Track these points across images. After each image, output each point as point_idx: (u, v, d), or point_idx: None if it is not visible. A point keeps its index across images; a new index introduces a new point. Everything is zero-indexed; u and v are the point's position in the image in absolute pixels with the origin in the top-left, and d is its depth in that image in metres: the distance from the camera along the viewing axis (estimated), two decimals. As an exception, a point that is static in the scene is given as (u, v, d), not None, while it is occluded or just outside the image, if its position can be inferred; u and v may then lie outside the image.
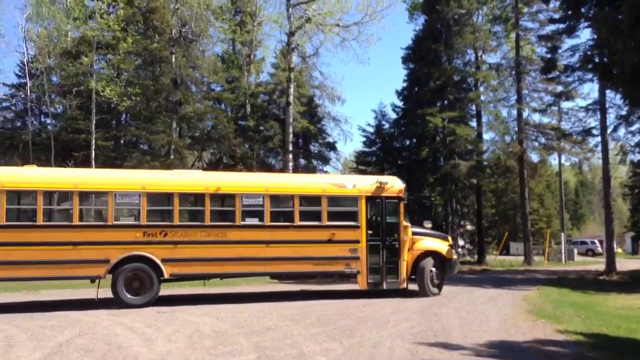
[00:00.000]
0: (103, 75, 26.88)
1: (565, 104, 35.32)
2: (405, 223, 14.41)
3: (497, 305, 13.04)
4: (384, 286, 14.08)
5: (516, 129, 30.87)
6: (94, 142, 26.54)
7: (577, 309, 12.95)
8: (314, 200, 14.03)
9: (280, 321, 10.10)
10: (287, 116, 27.28)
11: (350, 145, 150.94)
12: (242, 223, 13.15)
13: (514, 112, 31.20)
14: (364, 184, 14.36)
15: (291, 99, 27.50)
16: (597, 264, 30.36)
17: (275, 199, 13.69)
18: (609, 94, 23.23)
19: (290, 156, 28.10)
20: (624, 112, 23.37)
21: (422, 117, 28.13)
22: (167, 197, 12.89)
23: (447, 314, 11.47)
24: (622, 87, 4.53)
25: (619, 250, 58.31)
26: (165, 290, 15.62)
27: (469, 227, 36.05)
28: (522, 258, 32.17)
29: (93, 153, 26.46)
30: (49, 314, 10.70)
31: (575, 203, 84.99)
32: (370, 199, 14.13)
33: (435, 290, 14.57)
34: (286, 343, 8.12)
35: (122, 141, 32.33)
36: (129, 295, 12.01)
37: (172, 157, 27.79)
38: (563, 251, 36.01)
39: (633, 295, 17.34)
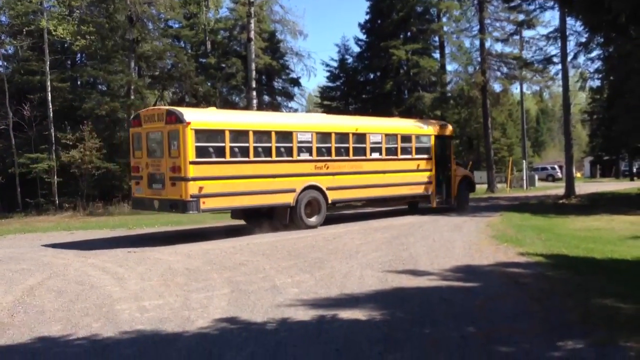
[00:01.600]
0: (54, 14, 25.70)
1: (527, 33, 35.41)
2: (452, 156, 19.02)
3: (462, 232, 13.42)
4: (445, 204, 18.71)
5: (479, 59, 30.87)
6: (49, 83, 25.67)
7: (538, 232, 13.44)
8: (408, 138, 17.59)
9: (252, 256, 10.25)
10: (249, 52, 26.72)
11: (314, 80, 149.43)
12: (370, 157, 16.42)
13: (477, 42, 31.08)
14: (432, 125, 18.74)
15: (252, 34, 26.85)
16: (557, 189, 31.29)
17: (387, 137, 16.96)
18: (570, 21, 23.32)
19: (254, 93, 27.71)
20: (584, 40, 23.58)
21: (385, 50, 27.89)
22: (328, 136, 15.47)
23: (414, 242, 11.78)
24: (581, 13, 4.56)
25: (578, 174, 60.12)
26: (135, 230, 15.65)
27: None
28: (485, 186, 32.93)
29: (49, 95, 25.65)
30: (18, 258, 10.61)
31: (537, 131, 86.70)
32: (436, 138, 18.24)
33: (467, 206, 19.58)
34: (258, 277, 8.28)
35: (79, 82, 31.36)
36: (308, 219, 14.62)
37: (132, 97, 27.13)
38: (525, 178, 36.94)
39: (590, 217, 18.05)
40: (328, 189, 15.07)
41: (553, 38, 25.63)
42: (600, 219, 17.40)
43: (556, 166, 56.87)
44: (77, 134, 24.78)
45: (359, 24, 32.03)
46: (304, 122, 15.80)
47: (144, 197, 13.68)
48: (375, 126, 17.14)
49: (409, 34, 29.33)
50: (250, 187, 13.62)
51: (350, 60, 31.98)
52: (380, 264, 9.23)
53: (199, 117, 13.14)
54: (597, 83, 30.74)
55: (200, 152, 12.74)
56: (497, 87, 34.42)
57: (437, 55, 31.94)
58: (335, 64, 31.57)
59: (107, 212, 23.09)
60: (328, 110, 31.65)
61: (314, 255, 10.25)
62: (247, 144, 13.66)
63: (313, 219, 14.74)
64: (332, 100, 31.93)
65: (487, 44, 31.26)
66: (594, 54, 24.75)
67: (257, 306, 6.56)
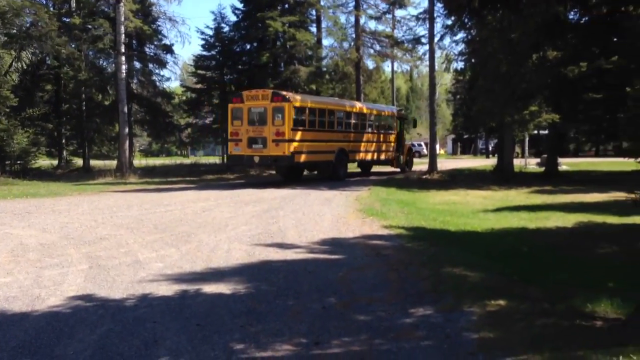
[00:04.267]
0: None
1: (399, 13, 36.62)
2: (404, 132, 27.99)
3: (331, 206, 13.79)
4: (401, 169, 27.00)
5: (353, 35, 31.55)
6: None
7: (401, 206, 14.13)
8: (385, 118, 26.17)
9: (115, 230, 9.84)
10: (118, 14, 25.32)
11: (188, 48, 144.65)
12: (366, 131, 23.99)
13: (352, 18, 31.77)
14: (395, 110, 27.69)
15: (121, -5, 25.42)
16: (422, 165, 33.02)
17: (375, 117, 25.20)
18: (438, 3, 24.45)
19: (123, 58, 26.40)
20: (449, 22, 24.80)
21: (262, 21, 27.56)
22: (349, 115, 23.01)
23: (284, 216, 11.92)
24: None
25: (442, 151, 63.86)
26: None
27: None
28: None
29: None
30: None
31: (406, 108, 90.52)
32: (398, 118, 26.95)
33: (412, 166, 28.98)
34: (120, 252, 7.97)
35: None
36: (341, 173, 21.79)
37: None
38: (393, 154, 38.52)
39: (450, 191, 19.27)
40: (349, 151, 22.28)
41: (422, 19, 26.76)
42: (458, 193, 18.63)
43: (422, 143, 59.80)
44: None
45: (236, -8, 31.45)
46: (335, 103, 23.38)
47: (243, 155, 19.54)
48: (369, 109, 25.13)
49: (286, 5, 29.15)
50: (317, 148, 20.28)
51: (226, 29, 31.24)
52: (249, 237, 9.25)
53: (295, 98, 19.93)
54: (460, 65, 32.57)
55: (295, 123, 19.25)
56: (370, 64, 35.50)
57: (313, 29, 32.14)
58: (210, 33, 30.69)
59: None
60: (202, 79, 30.92)
61: (181, 228, 10.05)
62: (314, 118, 20.43)
63: (341, 173, 21.97)
64: (207, 69, 31.08)
65: (362, 21, 32.06)
66: (458, 36, 26.19)
67: (117, 282, 6.32)
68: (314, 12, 31.46)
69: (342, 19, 32.66)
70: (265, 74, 29.14)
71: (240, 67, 31.15)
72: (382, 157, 25.40)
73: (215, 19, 30.79)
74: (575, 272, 7.59)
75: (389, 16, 32.18)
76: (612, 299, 5.59)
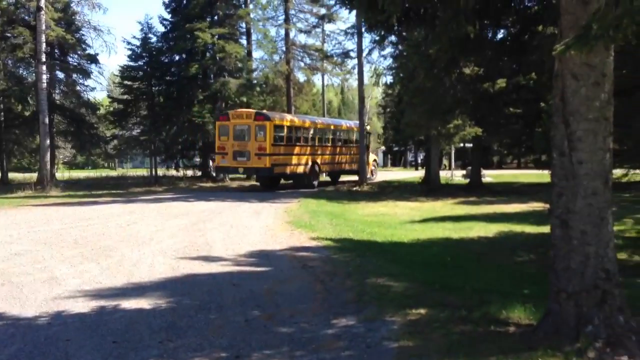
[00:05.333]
0: None
1: (329, 27, 37.10)
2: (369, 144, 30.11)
3: (259, 218, 13.72)
4: (365, 178, 26.51)
5: (284, 48, 31.70)
6: None
7: (330, 218, 14.24)
8: (352, 133, 28.73)
9: (32, 246, 9.41)
10: (39, 22, 24.39)
11: (115, 59, 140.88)
12: (335, 145, 26.97)
13: (282, 32, 31.91)
14: (357, 124, 27.99)
15: (42, 3, 24.57)
16: (353, 176, 33.49)
17: (342, 132, 28.22)
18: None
19: (44, 67, 25.39)
20: (377, 37, 25.35)
21: (191, 32, 27.25)
22: (318, 131, 25.60)
23: (212, 229, 11.76)
24: (360, 11, 4.87)
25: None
26: None
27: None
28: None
29: None
30: None
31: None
32: (359, 132, 27.13)
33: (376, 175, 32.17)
34: (36, 268, 7.62)
35: None
36: (314, 182, 24.37)
37: None
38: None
39: (378, 202, 19.60)
40: (321, 164, 24.97)
41: (350, 34, 27.20)
42: (387, 205, 18.98)
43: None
44: None
45: (164, 3, 30.88)
46: (310, 121, 25.87)
47: (229, 166, 22.77)
48: (337, 125, 28.37)
49: (215, 17, 28.95)
50: (293, 161, 23.16)
51: (154, 39, 30.64)
52: (174, 250, 9.06)
53: (275, 117, 23.09)
54: (389, 79, 33.29)
55: (275, 139, 21.97)
56: (301, 76, 35.73)
57: (244, 41, 32.09)
58: (138, 43, 29.99)
59: None
60: (129, 90, 30.18)
61: (103, 243, 9.72)
62: (291, 135, 23.33)
63: (315, 182, 24.61)
64: (134, 80, 30.33)
65: (292, 34, 32.25)
66: (386, 51, 26.80)
67: (30, 300, 6.03)
68: (244, 25, 31.39)
69: (272, 32, 32.82)
70: (194, 85, 28.79)
71: (168, 78, 30.60)
72: (349, 167, 28.39)
73: (142, 29, 30.11)
74: (494, 280, 7.87)
75: (318, 30, 32.58)
76: (525, 305, 5.82)
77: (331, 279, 7.24)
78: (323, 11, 29.77)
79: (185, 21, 27.99)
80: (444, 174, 30.97)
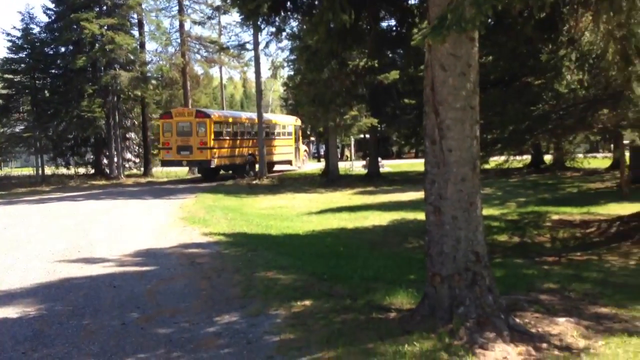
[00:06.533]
0: None
1: (225, 19, 36.47)
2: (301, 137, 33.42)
3: (151, 216, 13.24)
4: (298, 166, 32.38)
5: (179, 40, 30.78)
6: None
7: (226, 212, 14.01)
8: (288, 126, 31.02)
9: None
10: None
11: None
12: (270, 138, 28.37)
13: (177, 23, 30.94)
14: (295, 119, 31.46)
15: None
16: (287, 166, 33.69)
17: (279, 126, 30.37)
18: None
19: None
20: (274, 29, 25.16)
21: (77, 22, 25.78)
22: (255, 125, 26.21)
23: (98, 229, 11.21)
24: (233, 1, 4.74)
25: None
26: None
27: (135, 139, 35.26)
28: (187, 169, 33.16)
29: None
30: None
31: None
32: (295, 126, 31.33)
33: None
34: None
35: None
36: (251, 172, 26.37)
37: None
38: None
39: (277, 195, 19.56)
40: (257, 155, 25.85)
41: (247, 25, 26.80)
42: (285, 197, 18.98)
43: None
44: None
45: (48, -9, 29.08)
46: (245, 116, 28.16)
47: (173, 159, 24.46)
48: (275, 119, 30.88)
49: (104, 7, 27.56)
50: (232, 153, 25.27)
51: (37, 30, 28.72)
52: (53, 253, 8.53)
53: (214, 114, 25.24)
54: (287, 72, 33.20)
55: (215, 134, 23.90)
56: (198, 69, 34.89)
57: (136, 32, 30.81)
58: (18, 34, 28.00)
59: None
60: (10, 84, 28.22)
61: (-27, 249, 8.99)
62: (230, 129, 25.38)
63: (251, 172, 26.19)
64: (16, 73, 28.30)
65: (187, 26, 31.33)
66: (284, 44, 26.72)
67: None
68: (135, 16, 30.13)
69: (166, 23, 31.85)
70: (83, 78, 27.32)
71: (54, 71, 28.86)
72: (282, 158, 30.69)
73: (23, 20, 28.16)
74: (383, 267, 8.02)
75: (214, 22, 31.90)
76: (408, 290, 5.96)
77: (219, 275, 7.07)
78: (218, 2, 29.12)
79: (70, 11, 26.43)
80: (344, 165, 31.43)
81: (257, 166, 26.41)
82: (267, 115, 31.05)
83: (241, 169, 26.33)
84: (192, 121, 24.02)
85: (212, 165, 24.28)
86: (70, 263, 7.83)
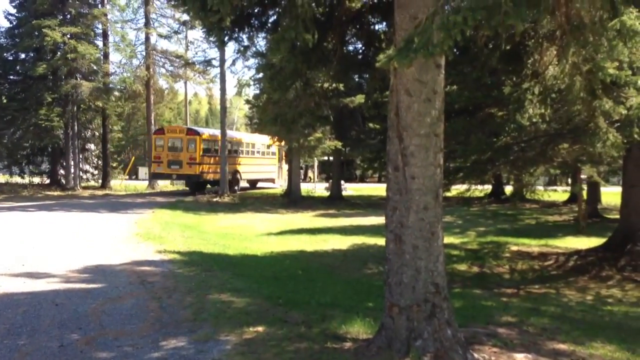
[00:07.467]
0: None
1: (193, 34, 36.21)
2: (284, 157, 32.33)
3: (105, 230, 12.81)
4: (281, 184, 32.48)
5: (144, 53, 30.38)
6: None
7: (183, 230, 13.66)
8: (269, 146, 30.87)
9: None
10: None
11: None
12: (254, 156, 30.70)
13: (142, 35, 30.53)
14: (278, 141, 28.60)
15: None
16: (270, 183, 33.74)
17: (261, 145, 31.18)
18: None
19: None
20: (241, 47, 25.03)
21: (39, 29, 25.18)
22: (240, 144, 29.34)
23: (48, 242, 10.75)
24: (192, 11, 4.58)
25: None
26: None
27: (94, 150, 34.44)
28: (146, 183, 32.55)
29: None
30: None
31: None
32: (278, 147, 30.93)
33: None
34: None
35: None
36: (235, 187, 27.43)
37: None
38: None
39: (238, 214, 19.27)
40: (242, 172, 28.30)
41: (211, 40, 26.58)
42: (246, 216, 18.71)
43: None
44: None
45: (10, -4, 28.44)
46: (235, 136, 29.84)
47: (163, 172, 26.00)
48: (257, 140, 31.18)
49: (68, 15, 27.02)
50: (217, 169, 25.80)
51: (-3, 36, 27.94)
52: (-6, 267, 8.08)
53: (204, 132, 27.24)
54: (254, 91, 33.05)
55: (204, 151, 25.51)
56: (163, 83, 34.43)
57: (100, 43, 30.27)
58: (-22, 38, 27.21)
59: None
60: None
61: None
62: (217, 147, 26.12)
63: (236, 187, 27.54)
64: (-27, 77, 27.45)
65: (153, 39, 31.00)
66: (250, 62, 26.63)
67: None
68: (100, 26, 29.62)
69: (132, 35, 31.35)
70: (42, 86, 26.59)
71: (13, 77, 28.08)
72: (266, 176, 32.79)
73: (-17, 23, 27.37)
74: (341, 293, 7.86)
75: (181, 36, 31.64)
76: (366, 319, 5.79)
77: (169, 295, 6.78)
78: (185, 17, 28.87)
79: (33, 17, 25.83)
80: (307, 187, 31.29)
81: (239, 182, 28.41)
82: (252, 135, 33.17)
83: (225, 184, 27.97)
84: (183, 138, 25.82)
85: (200, 180, 26.12)
86: (13, 277, 7.42)
